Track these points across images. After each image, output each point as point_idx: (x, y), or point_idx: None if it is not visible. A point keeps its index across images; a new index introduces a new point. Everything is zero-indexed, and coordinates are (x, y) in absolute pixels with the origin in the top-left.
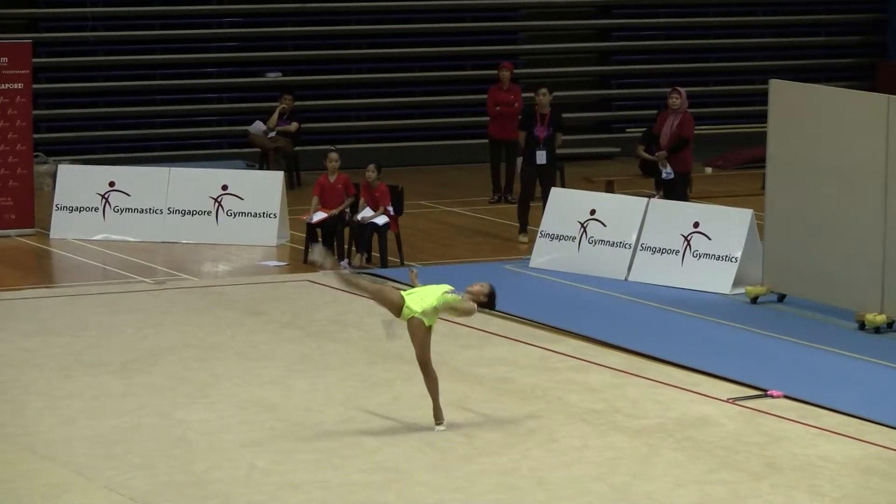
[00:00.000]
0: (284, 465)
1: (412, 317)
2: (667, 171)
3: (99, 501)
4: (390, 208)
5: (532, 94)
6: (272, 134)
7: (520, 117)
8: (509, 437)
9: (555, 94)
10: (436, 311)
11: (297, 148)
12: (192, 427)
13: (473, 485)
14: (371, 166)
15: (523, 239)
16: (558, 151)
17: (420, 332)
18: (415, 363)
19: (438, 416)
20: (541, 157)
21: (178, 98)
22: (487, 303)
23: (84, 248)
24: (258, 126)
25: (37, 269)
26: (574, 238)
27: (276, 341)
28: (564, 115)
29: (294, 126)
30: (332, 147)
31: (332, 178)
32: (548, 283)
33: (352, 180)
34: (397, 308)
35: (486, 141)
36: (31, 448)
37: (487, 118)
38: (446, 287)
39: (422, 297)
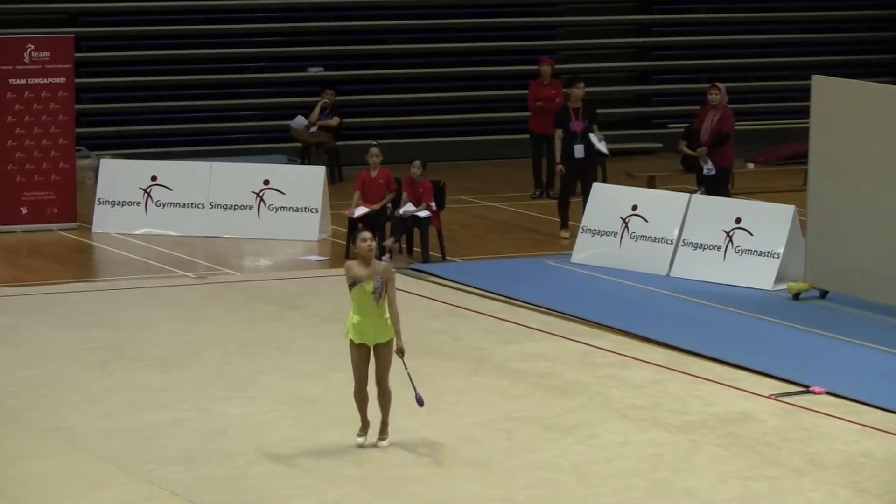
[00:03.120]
0: (324, 460)
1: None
2: (708, 167)
3: (139, 495)
4: (433, 204)
5: (568, 91)
6: (314, 129)
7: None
8: (550, 433)
9: (595, 89)
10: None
11: (338, 143)
12: (232, 421)
13: (513, 479)
14: (416, 162)
15: (565, 234)
16: (606, 154)
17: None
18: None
19: (385, 432)
20: (578, 150)
21: (219, 93)
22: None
23: (126, 243)
24: (300, 121)
25: (78, 262)
26: (616, 233)
27: (316, 336)
28: (605, 111)
29: (335, 121)
30: (374, 142)
31: (373, 173)
32: (589, 279)
33: (393, 175)
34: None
35: (527, 136)
36: (70, 442)
37: (528, 113)
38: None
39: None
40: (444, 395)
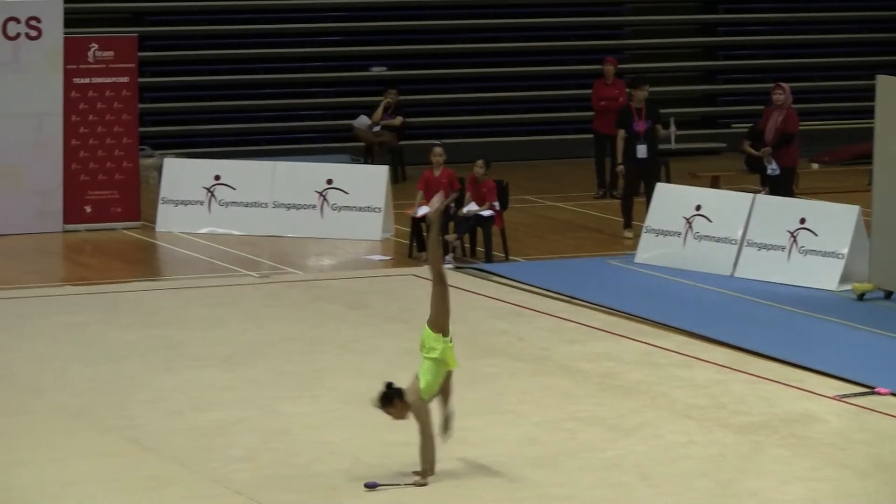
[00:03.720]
0: (387, 459)
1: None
2: (772, 168)
3: (203, 493)
4: (496, 204)
5: (632, 91)
6: (377, 128)
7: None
8: (613, 433)
9: (660, 88)
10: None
11: (401, 142)
12: (296, 420)
13: (577, 480)
14: (480, 162)
15: (628, 234)
16: (671, 147)
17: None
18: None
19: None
20: (641, 151)
21: (283, 92)
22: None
23: (189, 242)
24: (363, 120)
25: (142, 261)
26: (679, 233)
27: (379, 335)
28: (670, 111)
29: (399, 120)
30: (437, 142)
31: (436, 173)
32: (653, 279)
33: (457, 175)
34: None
35: (591, 136)
36: (135, 440)
37: (592, 113)
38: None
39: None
40: (507, 395)
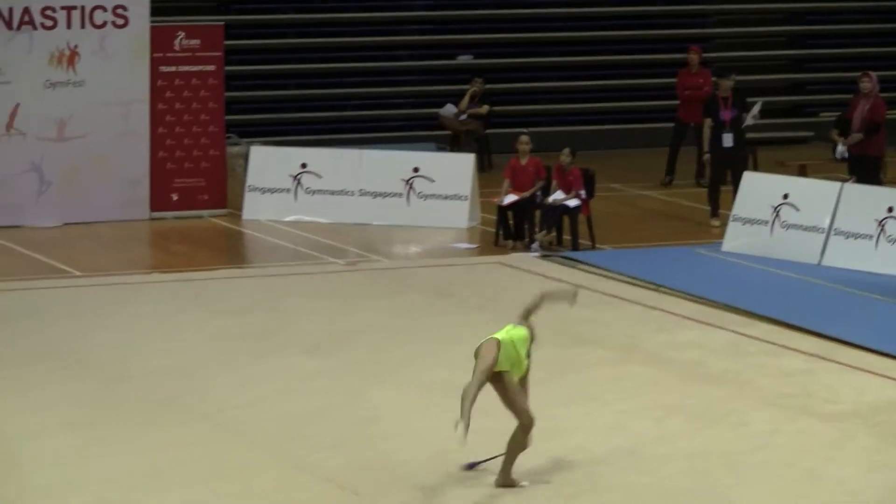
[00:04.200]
0: (474, 447)
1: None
2: (840, 151)
3: (291, 481)
4: (583, 192)
5: (714, 79)
6: (463, 116)
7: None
8: (699, 421)
9: (747, 77)
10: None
11: (487, 131)
12: (383, 408)
13: (663, 468)
14: (566, 150)
15: (715, 223)
16: (748, 124)
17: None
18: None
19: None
20: (727, 139)
21: (369, 80)
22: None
23: (276, 229)
24: (449, 109)
25: (229, 249)
26: (767, 222)
27: (466, 323)
28: (757, 99)
29: (485, 109)
30: (524, 130)
31: (523, 161)
32: (740, 267)
33: (543, 163)
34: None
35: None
36: (223, 427)
37: (677, 102)
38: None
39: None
40: (593, 383)
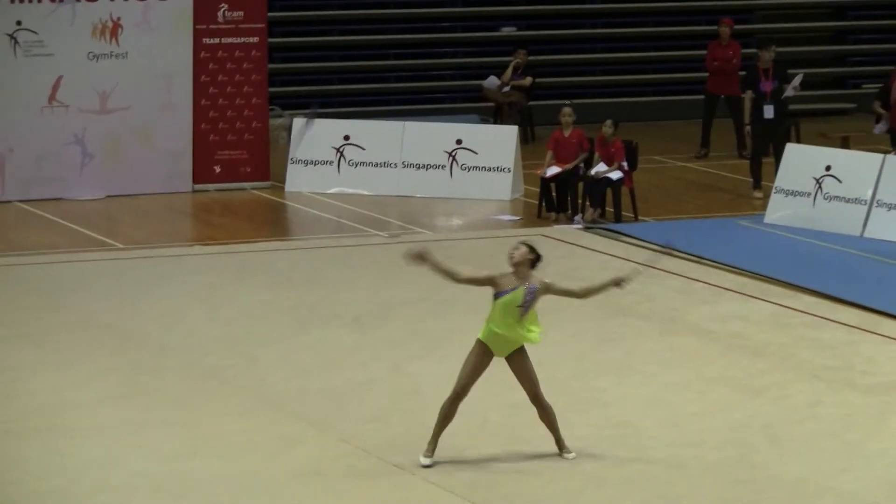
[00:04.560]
0: (516, 419)
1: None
2: (878, 128)
3: (332, 453)
4: (625, 164)
5: (755, 51)
6: (506, 88)
7: (743, 73)
8: (741, 393)
9: (789, 49)
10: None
11: (531, 103)
12: (425, 380)
13: (705, 440)
14: (608, 122)
15: (758, 195)
16: (788, 95)
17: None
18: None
19: (563, 447)
20: (768, 111)
21: (412, 52)
22: (535, 258)
23: (318, 202)
24: (492, 81)
25: (271, 221)
26: (809, 194)
27: None
28: (799, 72)
29: (528, 81)
30: (567, 102)
31: (566, 133)
32: (782, 239)
33: (586, 135)
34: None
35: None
36: (265, 400)
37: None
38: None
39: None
40: (635, 355)
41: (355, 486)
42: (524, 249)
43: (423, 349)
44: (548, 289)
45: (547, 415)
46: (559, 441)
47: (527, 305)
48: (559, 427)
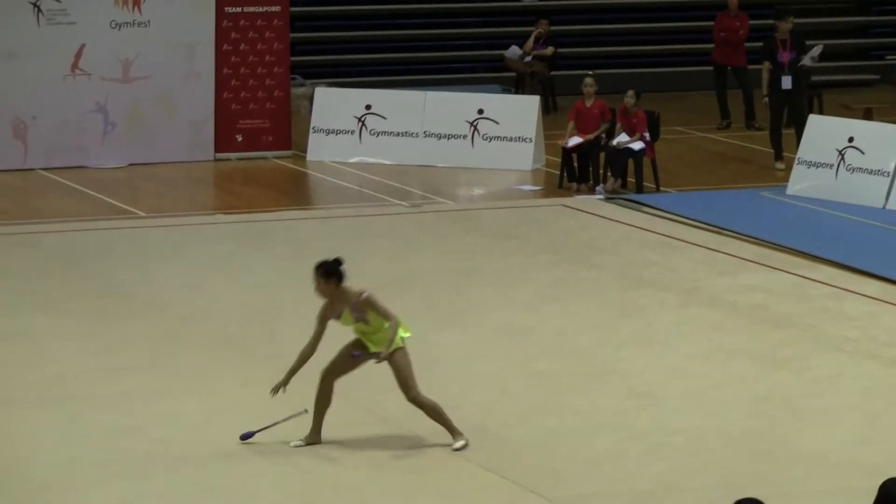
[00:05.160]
0: (537, 390)
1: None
2: None
3: (352, 421)
4: (647, 134)
5: (771, 22)
6: (528, 58)
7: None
8: (762, 365)
9: (812, 20)
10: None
11: (552, 73)
12: (445, 351)
13: (726, 412)
14: (630, 92)
15: (780, 166)
16: (806, 65)
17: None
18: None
19: (456, 434)
20: (786, 82)
21: (434, 22)
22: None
23: (340, 171)
24: (514, 51)
25: (293, 191)
26: (832, 165)
27: (530, 266)
28: (822, 42)
29: (550, 50)
30: (589, 72)
31: (588, 103)
32: (804, 210)
33: (608, 105)
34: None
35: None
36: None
37: (749, 44)
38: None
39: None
40: (656, 326)
41: (375, 456)
42: (316, 281)
43: (444, 319)
44: (369, 305)
45: (431, 412)
46: (451, 432)
47: (362, 319)
48: (447, 419)
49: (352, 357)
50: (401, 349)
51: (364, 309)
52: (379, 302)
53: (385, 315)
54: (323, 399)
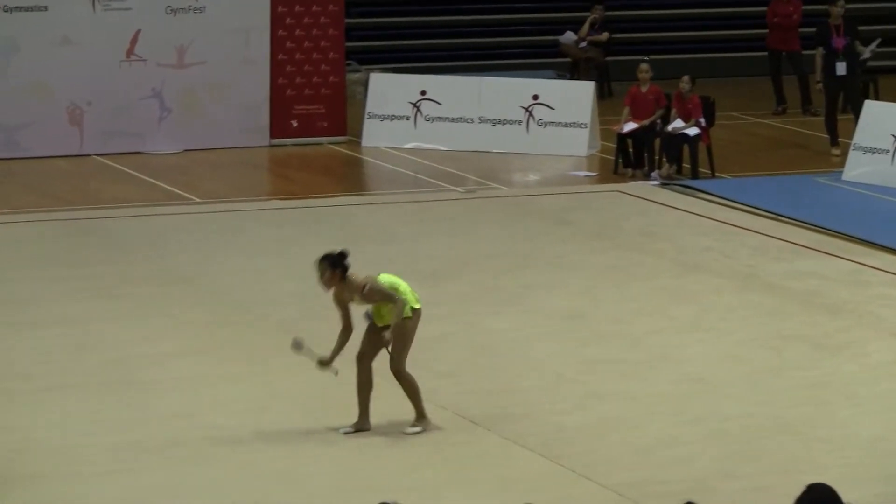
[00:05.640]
0: (590, 375)
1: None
2: None
3: (407, 407)
4: (702, 120)
5: (825, 7)
6: (583, 44)
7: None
8: (818, 352)
9: (863, 6)
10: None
11: (607, 58)
12: (500, 336)
13: (781, 398)
14: (685, 77)
15: (835, 151)
16: (864, 57)
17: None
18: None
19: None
20: (840, 68)
21: (490, 7)
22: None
23: (395, 156)
24: (569, 36)
25: (348, 176)
26: (888, 151)
27: (584, 251)
28: (878, 28)
29: (605, 36)
30: (644, 58)
31: (643, 89)
32: (861, 197)
33: (663, 91)
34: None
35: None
36: (340, 355)
37: (799, 30)
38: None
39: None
40: (711, 311)
41: (430, 440)
42: (320, 272)
43: (499, 304)
44: (373, 296)
45: (406, 387)
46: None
47: (372, 304)
48: (420, 401)
49: (365, 316)
50: (408, 319)
51: (370, 299)
52: (381, 289)
53: (389, 299)
54: (364, 384)
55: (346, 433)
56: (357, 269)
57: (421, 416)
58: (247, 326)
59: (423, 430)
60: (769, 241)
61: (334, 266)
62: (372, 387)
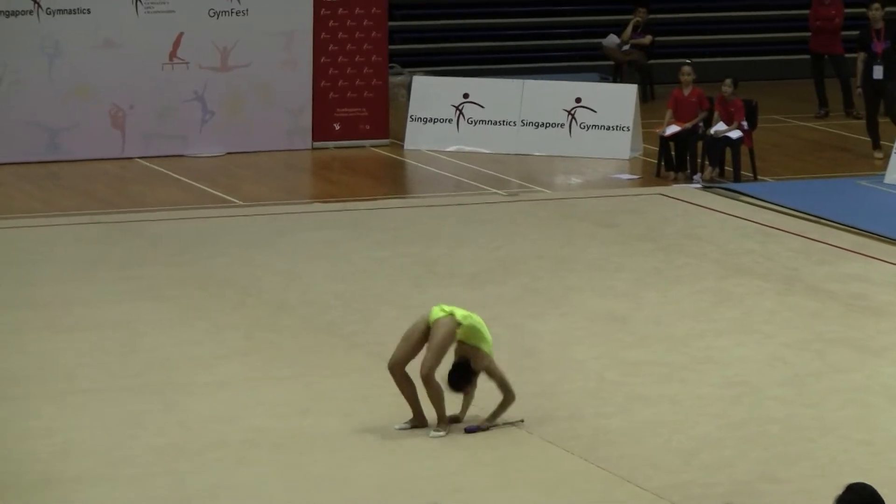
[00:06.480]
0: (634, 378)
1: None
2: None
3: (449, 410)
4: (745, 123)
5: (864, 10)
6: (626, 47)
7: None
8: (861, 354)
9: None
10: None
11: (650, 61)
12: (543, 338)
13: (825, 400)
14: (728, 80)
15: (878, 154)
16: None
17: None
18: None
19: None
20: (878, 71)
21: (532, 10)
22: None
23: (437, 159)
24: (612, 39)
25: (390, 179)
26: None
27: (627, 254)
28: None
29: (648, 39)
30: (686, 60)
31: (686, 92)
32: None
33: (705, 94)
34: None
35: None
36: (382, 357)
37: (845, 33)
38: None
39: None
40: (754, 314)
41: (472, 443)
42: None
43: (542, 307)
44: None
45: (431, 392)
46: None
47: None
48: (443, 408)
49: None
50: (453, 325)
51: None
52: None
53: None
54: (405, 387)
55: (401, 429)
56: (400, 273)
57: (442, 420)
58: (289, 328)
59: (447, 434)
60: (812, 244)
61: (465, 380)
62: (413, 387)
